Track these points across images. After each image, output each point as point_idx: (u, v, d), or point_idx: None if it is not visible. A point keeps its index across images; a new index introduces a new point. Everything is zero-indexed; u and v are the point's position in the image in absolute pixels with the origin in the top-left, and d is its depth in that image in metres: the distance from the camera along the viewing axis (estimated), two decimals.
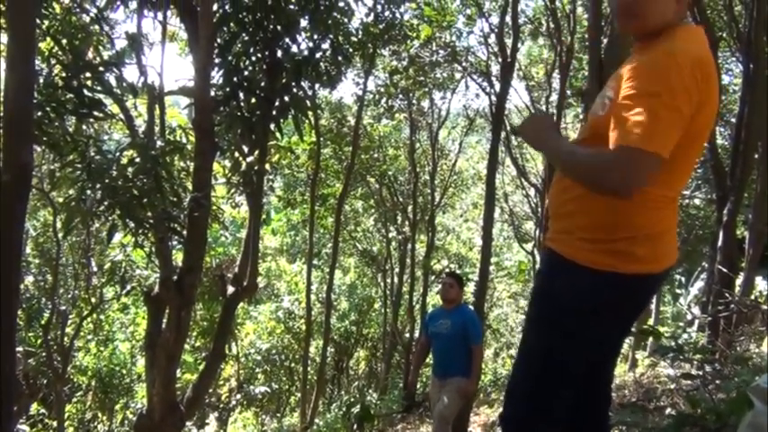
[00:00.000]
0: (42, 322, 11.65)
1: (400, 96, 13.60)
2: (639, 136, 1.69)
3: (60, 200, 8.73)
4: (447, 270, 16.42)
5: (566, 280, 1.94)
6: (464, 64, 12.94)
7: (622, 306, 1.95)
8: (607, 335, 2.05)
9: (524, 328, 2.19)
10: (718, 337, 6.48)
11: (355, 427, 9.13)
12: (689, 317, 7.21)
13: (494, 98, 12.15)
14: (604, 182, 1.74)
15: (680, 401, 5.22)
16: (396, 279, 16.22)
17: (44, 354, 11.60)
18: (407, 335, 15.31)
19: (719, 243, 7.34)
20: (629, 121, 1.71)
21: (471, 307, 6.05)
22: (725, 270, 7.08)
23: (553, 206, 2.08)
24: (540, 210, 15.19)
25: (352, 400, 9.83)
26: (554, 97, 14.04)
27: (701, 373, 4.44)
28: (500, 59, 11.03)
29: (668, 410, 4.92)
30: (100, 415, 13.83)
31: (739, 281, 7.55)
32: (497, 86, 11.96)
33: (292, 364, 17.53)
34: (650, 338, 7.69)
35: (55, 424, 11.45)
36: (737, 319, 6.59)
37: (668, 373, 6.46)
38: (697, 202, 13.61)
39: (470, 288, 12.84)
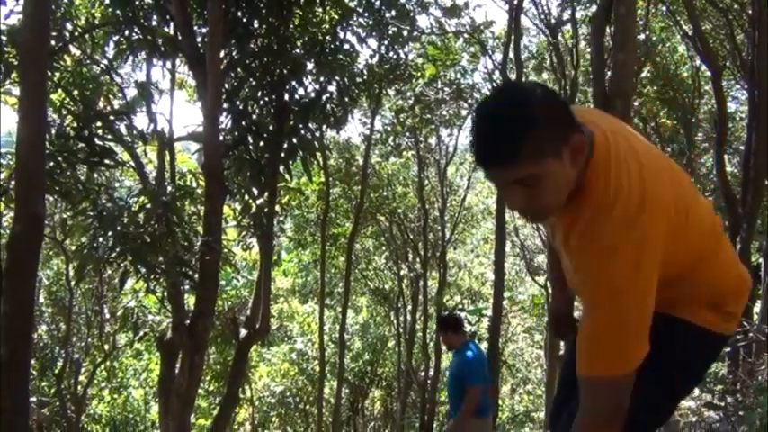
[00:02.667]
0: (56, 371, 11.61)
1: (407, 134, 13.70)
2: (608, 362, 1.45)
3: (73, 248, 8.78)
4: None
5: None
6: (470, 101, 13.06)
7: None
8: None
9: None
10: (738, 367, 6.36)
11: None
12: None
13: None
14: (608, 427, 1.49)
15: None
16: (409, 317, 16.12)
17: (58, 403, 11.54)
18: (422, 373, 15.15)
19: None
20: (594, 343, 1.47)
21: (476, 345, 5.83)
22: None
23: None
24: None
25: None
26: None
27: (723, 404, 4.36)
28: None
29: None
30: None
31: (757, 308, 7.45)
32: None
33: (307, 407, 17.31)
34: None
35: None
36: (757, 348, 6.48)
37: (689, 406, 6.33)
38: None
39: (484, 324, 12.74)
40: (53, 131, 5.64)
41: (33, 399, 11.05)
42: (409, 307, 16.25)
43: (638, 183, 1.42)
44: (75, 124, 5.85)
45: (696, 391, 5.64)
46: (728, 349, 6.42)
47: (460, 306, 17.17)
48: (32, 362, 9.56)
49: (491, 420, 6.27)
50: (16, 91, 5.73)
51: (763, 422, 2.79)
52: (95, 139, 5.87)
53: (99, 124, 5.96)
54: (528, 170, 1.37)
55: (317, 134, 7.90)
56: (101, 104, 6.74)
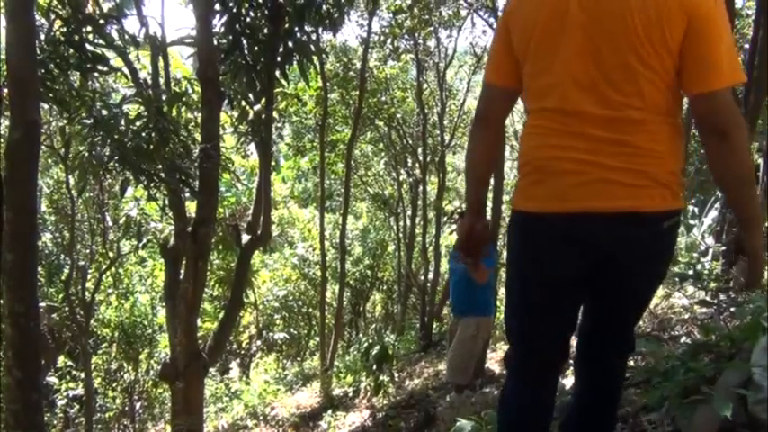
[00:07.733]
0: (63, 278, 11.83)
1: (405, 37, 13.33)
2: None
3: (71, 156, 8.73)
4: (459, 211, 16.44)
5: None
6: (469, 0, 12.65)
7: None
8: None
9: None
10: (732, 265, 6.48)
11: (374, 367, 9.30)
12: (703, 247, 7.19)
13: None
14: None
15: (694, 330, 5.27)
16: (408, 221, 16.27)
17: (67, 308, 11.82)
18: (422, 276, 15.45)
19: None
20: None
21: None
22: None
23: None
24: None
25: (370, 341, 9.98)
26: None
27: (715, 301, 4.47)
28: None
29: (683, 339, 4.97)
30: (125, 365, 14.17)
31: None
32: None
33: (310, 310, 17.78)
34: None
35: (82, 375, 11.76)
36: None
37: (683, 304, 6.50)
38: None
39: None
40: (42, 37, 5.49)
41: (43, 304, 11.33)
42: (409, 212, 16.36)
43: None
44: (64, 29, 5.69)
45: (690, 289, 5.78)
46: (723, 248, 6.52)
47: (459, 210, 17.28)
48: (39, 269, 9.72)
49: (493, 320, 6.58)
50: None
51: (754, 316, 2.87)
52: (86, 45, 5.73)
53: (89, 29, 5.79)
54: None
55: (313, 37, 7.69)
56: (89, 8, 6.52)
